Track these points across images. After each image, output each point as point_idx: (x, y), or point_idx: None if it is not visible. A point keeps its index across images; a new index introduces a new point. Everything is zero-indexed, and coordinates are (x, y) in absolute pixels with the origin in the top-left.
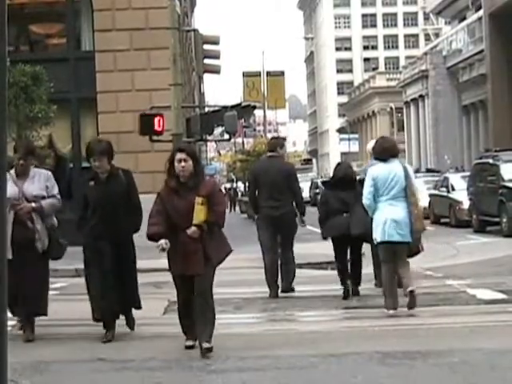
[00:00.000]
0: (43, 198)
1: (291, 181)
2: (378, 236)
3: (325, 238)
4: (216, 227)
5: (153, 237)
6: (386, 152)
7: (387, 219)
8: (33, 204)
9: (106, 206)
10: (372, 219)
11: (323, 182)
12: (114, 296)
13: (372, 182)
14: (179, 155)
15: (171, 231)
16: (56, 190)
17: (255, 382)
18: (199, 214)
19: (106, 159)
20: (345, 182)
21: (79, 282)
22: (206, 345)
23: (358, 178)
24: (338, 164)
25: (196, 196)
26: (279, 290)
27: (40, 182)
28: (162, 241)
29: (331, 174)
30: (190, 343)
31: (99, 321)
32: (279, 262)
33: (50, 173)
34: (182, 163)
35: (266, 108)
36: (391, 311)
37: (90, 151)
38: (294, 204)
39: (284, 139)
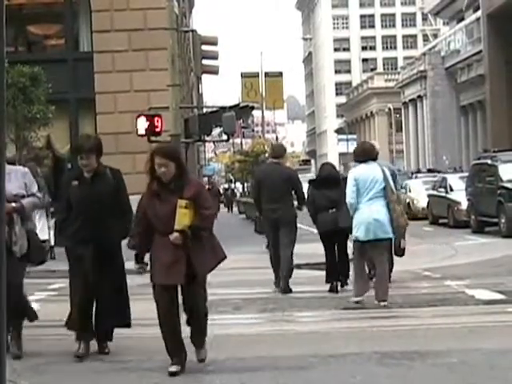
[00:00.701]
0: (23, 196)
1: (293, 183)
2: (360, 235)
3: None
4: (204, 232)
5: (133, 249)
6: (365, 154)
7: (370, 219)
8: (13, 204)
9: (91, 208)
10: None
11: (309, 182)
12: (92, 309)
13: (354, 183)
14: (158, 160)
15: (155, 237)
16: (35, 188)
17: (254, 382)
18: (182, 218)
19: (95, 157)
20: (329, 181)
21: None
22: (199, 356)
23: (343, 176)
24: (323, 164)
25: (179, 199)
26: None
27: (18, 180)
28: (137, 266)
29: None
30: (173, 369)
31: (72, 330)
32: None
33: (26, 169)
34: (162, 168)
35: (264, 109)
36: (358, 298)
37: (78, 148)
38: (294, 206)
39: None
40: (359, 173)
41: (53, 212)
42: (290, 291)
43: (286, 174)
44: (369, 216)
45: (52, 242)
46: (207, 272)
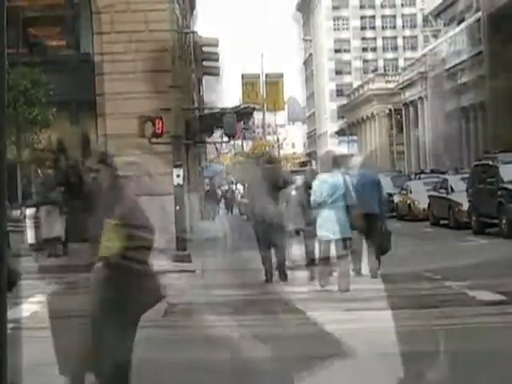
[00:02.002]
0: None
1: (286, 184)
2: (327, 233)
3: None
4: (136, 263)
5: None
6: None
7: (332, 219)
8: None
9: None
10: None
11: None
12: None
13: (317, 188)
14: (89, 163)
15: None
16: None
17: (254, 382)
18: (109, 243)
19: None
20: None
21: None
22: None
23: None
24: (309, 170)
25: (105, 218)
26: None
27: None
28: None
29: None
30: None
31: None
32: (273, 257)
33: None
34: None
35: (265, 110)
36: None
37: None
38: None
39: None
40: (323, 179)
41: (66, 210)
42: (286, 278)
43: (283, 176)
44: (331, 217)
45: (63, 239)
46: (143, 312)
